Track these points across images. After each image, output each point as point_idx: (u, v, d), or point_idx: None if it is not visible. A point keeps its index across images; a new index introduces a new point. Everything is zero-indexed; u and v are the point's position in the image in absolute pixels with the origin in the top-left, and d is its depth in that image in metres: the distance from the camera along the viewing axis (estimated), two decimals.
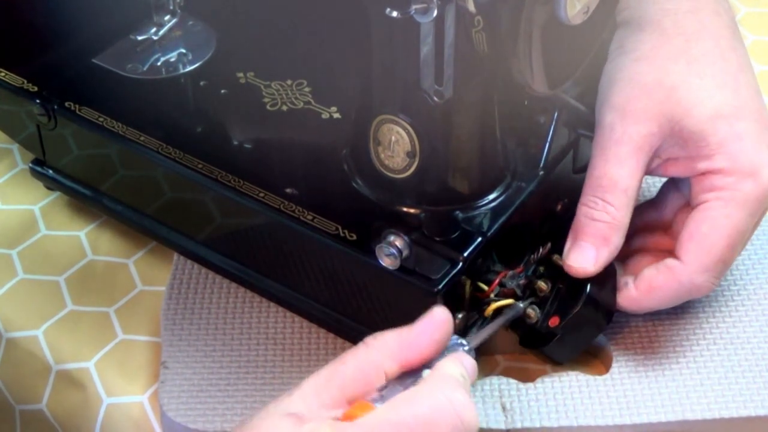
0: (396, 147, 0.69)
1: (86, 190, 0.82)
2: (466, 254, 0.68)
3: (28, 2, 0.87)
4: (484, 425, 0.69)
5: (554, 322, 0.69)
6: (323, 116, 0.77)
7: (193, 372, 0.72)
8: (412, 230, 0.68)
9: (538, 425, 0.69)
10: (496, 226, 0.70)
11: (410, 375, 0.60)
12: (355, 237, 0.70)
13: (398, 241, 0.66)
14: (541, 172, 0.73)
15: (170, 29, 0.83)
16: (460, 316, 0.68)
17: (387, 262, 0.67)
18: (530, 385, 0.71)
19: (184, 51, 0.82)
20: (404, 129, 0.68)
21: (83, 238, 0.84)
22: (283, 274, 0.74)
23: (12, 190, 0.88)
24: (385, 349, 0.60)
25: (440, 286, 0.67)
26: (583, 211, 0.70)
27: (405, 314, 0.69)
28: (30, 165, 0.84)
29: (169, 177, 0.76)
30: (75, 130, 0.79)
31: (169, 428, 0.70)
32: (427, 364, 0.61)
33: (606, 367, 0.73)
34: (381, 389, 0.59)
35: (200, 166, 0.74)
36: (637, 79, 0.71)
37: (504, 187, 0.72)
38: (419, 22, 0.64)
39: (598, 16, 0.67)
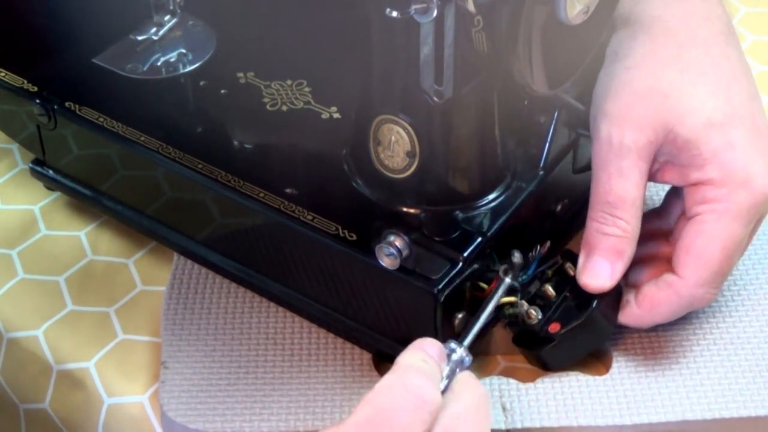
0: (396, 147, 0.69)
1: (86, 190, 0.82)
2: (466, 254, 0.68)
3: (28, 2, 0.87)
4: None
5: (554, 328, 0.69)
6: (323, 116, 0.77)
7: (193, 372, 0.72)
8: (412, 230, 0.68)
9: (538, 425, 0.69)
10: (496, 226, 0.70)
11: None
12: (355, 237, 0.70)
13: (398, 241, 0.66)
14: (541, 173, 0.73)
15: (170, 29, 0.83)
16: (460, 316, 0.69)
17: (387, 262, 0.67)
18: (530, 385, 0.71)
19: (184, 51, 0.82)
20: (404, 129, 0.68)
21: (83, 238, 0.84)
22: (283, 274, 0.74)
23: (12, 190, 0.88)
24: None
25: (440, 286, 0.67)
26: (594, 226, 0.70)
27: (405, 314, 0.69)
28: (30, 165, 0.84)
29: (169, 177, 0.76)
30: (75, 130, 0.79)
31: (169, 428, 0.71)
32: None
33: (606, 367, 0.73)
34: None
35: (200, 166, 0.74)
36: (631, 87, 0.70)
37: (504, 187, 0.72)
38: (419, 22, 0.64)
39: (598, 16, 0.67)
